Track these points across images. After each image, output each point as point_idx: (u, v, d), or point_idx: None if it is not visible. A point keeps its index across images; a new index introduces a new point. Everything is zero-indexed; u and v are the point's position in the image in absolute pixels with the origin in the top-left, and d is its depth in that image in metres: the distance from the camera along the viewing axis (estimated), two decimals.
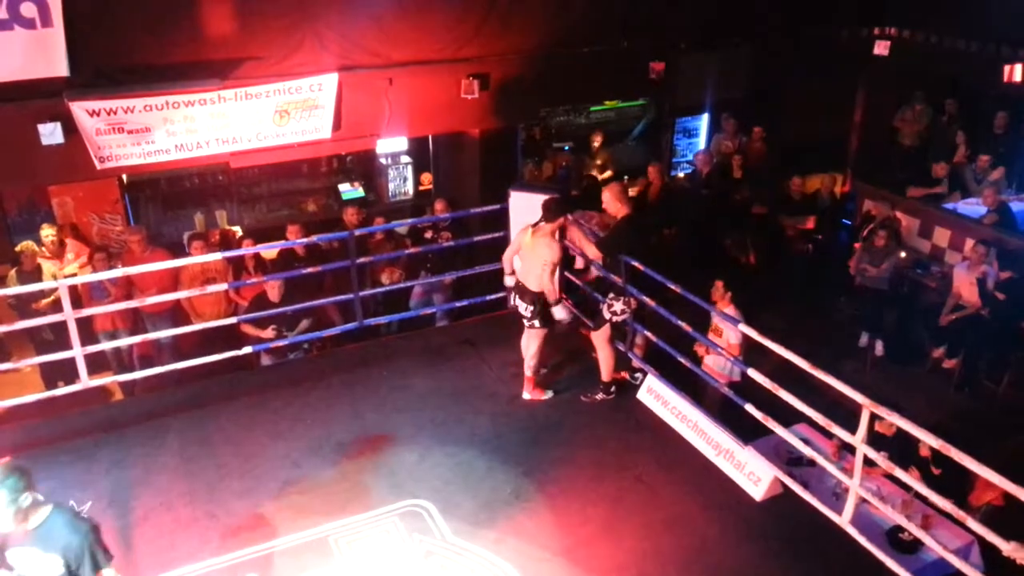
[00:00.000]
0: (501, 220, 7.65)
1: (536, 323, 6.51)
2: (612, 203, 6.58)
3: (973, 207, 9.67)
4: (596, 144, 11.14)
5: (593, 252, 6.72)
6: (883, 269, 8.74)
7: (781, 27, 10.44)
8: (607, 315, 6.59)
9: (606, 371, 6.73)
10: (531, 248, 6.37)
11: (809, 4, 10.42)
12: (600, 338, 6.70)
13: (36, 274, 7.53)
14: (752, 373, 5.65)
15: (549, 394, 6.84)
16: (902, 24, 10.52)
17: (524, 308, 6.50)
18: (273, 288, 7.32)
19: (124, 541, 5.31)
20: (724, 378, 6.89)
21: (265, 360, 7.52)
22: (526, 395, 6.82)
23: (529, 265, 6.42)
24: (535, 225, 6.39)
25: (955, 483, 5.34)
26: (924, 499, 4.76)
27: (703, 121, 11.97)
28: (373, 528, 5.38)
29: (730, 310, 6.79)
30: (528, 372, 6.79)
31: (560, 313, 6.47)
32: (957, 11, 9.82)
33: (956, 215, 9.59)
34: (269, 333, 7.34)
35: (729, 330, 6.72)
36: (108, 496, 5.69)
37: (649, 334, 6.69)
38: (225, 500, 5.66)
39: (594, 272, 6.52)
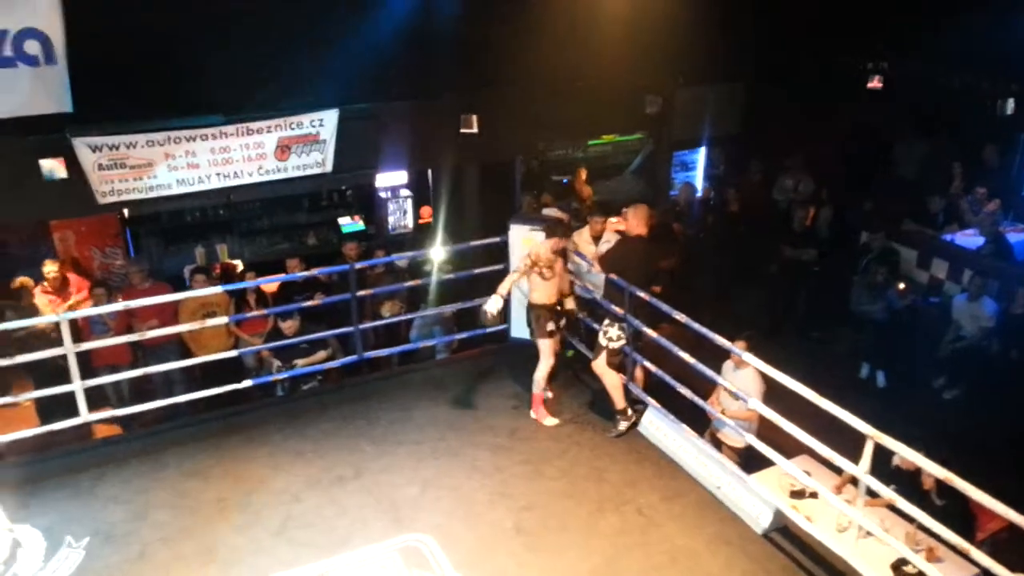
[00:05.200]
0: (501, 252, 7.68)
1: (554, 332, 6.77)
2: (633, 219, 6.71)
3: (971, 238, 9.72)
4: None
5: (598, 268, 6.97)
6: (882, 300, 8.76)
7: (776, 62, 10.58)
8: (603, 342, 6.61)
9: (617, 398, 6.70)
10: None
11: (804, 39, 10.57)
12: (600, 366, 6.71)
13: (33, 310, 7.50)
14: (754, 404, 5.64)
15: (554, 421, 6.84)
16: (895, 59, 10.66)
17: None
18: (291, 327, 7.26)
19: None
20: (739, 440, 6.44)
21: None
22: (533, 414, 6.86)
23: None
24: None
25: (960, 514, 5.30)
26: (928, 531, 4.73)
27: (700, 155, 12.08)
28: (373, 563, 5.33)
29: (749, 376, 6.20)
30: (536, 390, 6.88)
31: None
32: (950, 46, 9.95)
33: (954, 246, 9.63)
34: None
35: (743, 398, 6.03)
36: (106, 531, 5.63)
37: (649, 364, 6.68)
38: (224, 535, 5.61)
39: (571, 303, 6.99)
